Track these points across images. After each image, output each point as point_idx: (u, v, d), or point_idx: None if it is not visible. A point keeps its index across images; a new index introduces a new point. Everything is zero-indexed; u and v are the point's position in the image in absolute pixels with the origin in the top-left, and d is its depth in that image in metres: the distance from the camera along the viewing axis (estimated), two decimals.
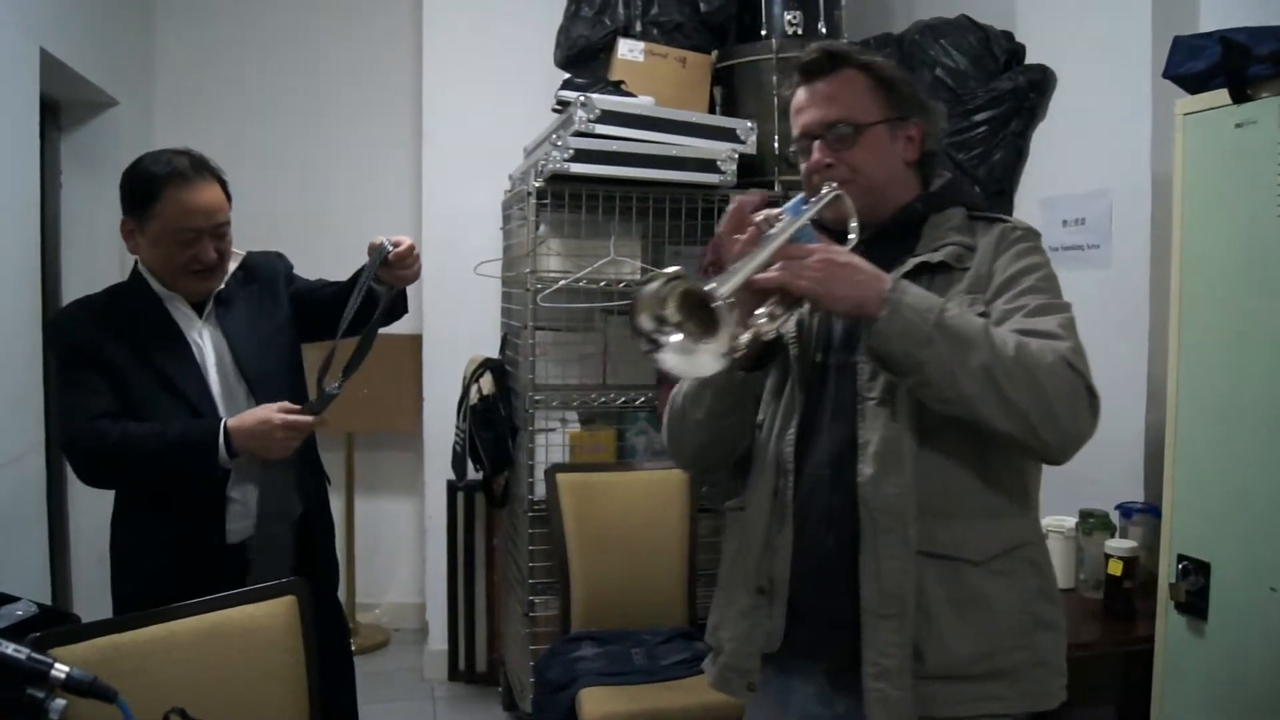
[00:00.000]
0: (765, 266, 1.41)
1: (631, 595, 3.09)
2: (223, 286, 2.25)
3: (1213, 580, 2.12)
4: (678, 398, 1.69)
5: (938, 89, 3.30)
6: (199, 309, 2.22)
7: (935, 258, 1.57)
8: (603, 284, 3.32)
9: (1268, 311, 2.03)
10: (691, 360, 1.36)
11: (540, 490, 3.24)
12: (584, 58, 3.54)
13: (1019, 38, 3.33)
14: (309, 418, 2.13)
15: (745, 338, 1.41)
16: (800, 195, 1.62)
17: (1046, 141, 3.22)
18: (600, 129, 3.13)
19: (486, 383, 3.52)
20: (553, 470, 3.14)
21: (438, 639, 4.26)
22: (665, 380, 3.29)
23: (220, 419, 2.10)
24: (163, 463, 2.07)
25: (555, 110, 3.41)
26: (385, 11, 4.74)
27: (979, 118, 3.23)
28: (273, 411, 2.09)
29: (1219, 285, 2.15)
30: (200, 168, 2.14)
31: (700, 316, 1.34)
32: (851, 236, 1.57)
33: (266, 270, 2.39)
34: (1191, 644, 2.17)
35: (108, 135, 4.03)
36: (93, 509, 3.92)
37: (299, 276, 2.49)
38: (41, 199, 3.46)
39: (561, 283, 3.27)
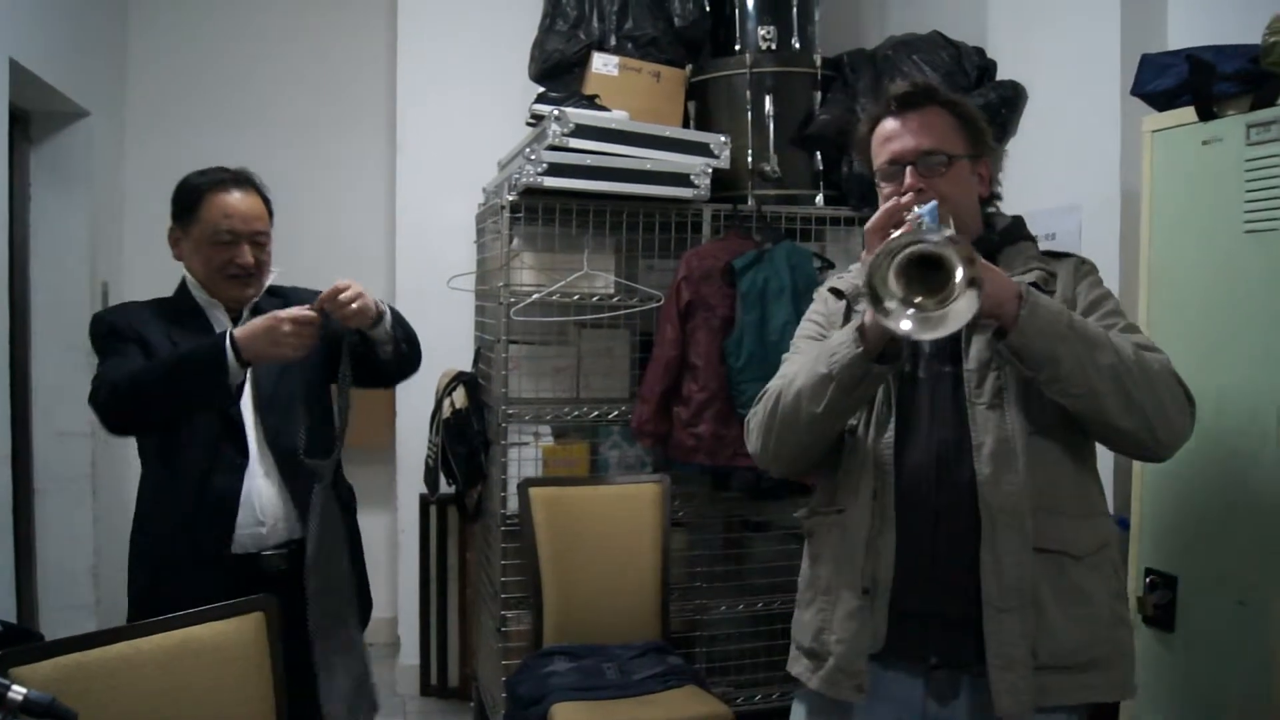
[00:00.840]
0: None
1: (604, 610, 3.08)
2: (259, 301, 2.30)
3: (1180, 594, 2.14)
4: (789, 394, 1.72)
5: None
6: (235, 320, 2.27)
7: (1028, 278, 1.67)
8: (576, 298, 3.32)
9: (1234, 326, 2.05)
10: (933, 325, 1.46)
11: (513, 504, 3.22)
12: (558, 71, 3.55)
13: (990, 54, 3.35)
14: (315, 315, 2.09)
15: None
16: (933, 203, 1.63)
17: (1018, 156, 3.22)
18: (574, 143, 3.13)
19: (459, 396, 3.51)
20: (525, 484, 3.12)
21: (410, 654, 4.24)
22: (640, 395, 3.29)
23: (225, 331, 2.08)
24: (174, 380, 2.07)
25: (529, 124, 3.42)
26: (360, 24, 4.72)
27: None
28: (276, 311, 2.10)
29: (1186, 300, 2.17)
30: (243, 179, 2.29)
31: (926, 282, 1.46)
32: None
33: (305, 300, 2.37)
34: (1159, 658, 2.18)
35: (78, 146, 4.00)
36: (60, 524, 3.89)
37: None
38: (10, 210, 3.43)
39: (535, 296, 3.26)
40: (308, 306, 2.10)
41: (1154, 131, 2.26)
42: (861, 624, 1.66)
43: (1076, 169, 2.93)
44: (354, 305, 2.12)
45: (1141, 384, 1.53)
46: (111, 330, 2.21)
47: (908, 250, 1.46)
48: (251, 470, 2.20)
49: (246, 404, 2.23)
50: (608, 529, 3.14)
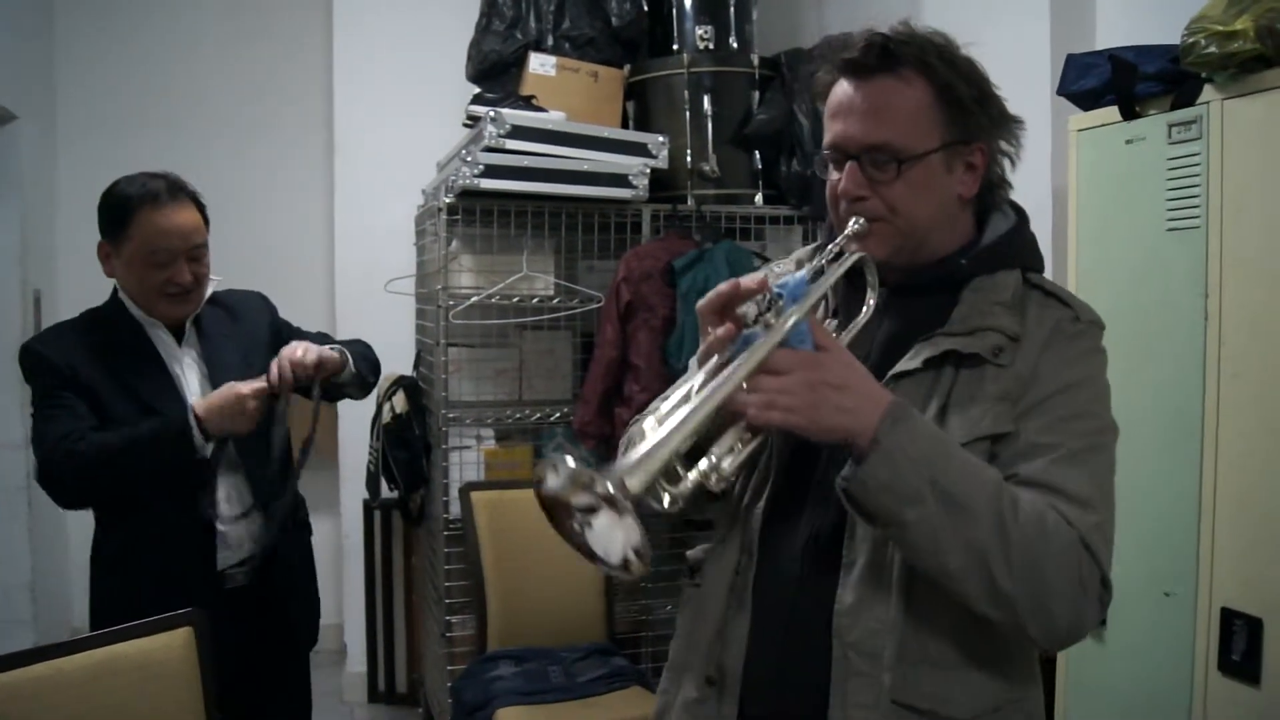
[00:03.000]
0: (731, 393, 1.12)
1: (549, 612, 3.07)
2: (200, 313, 2.22)
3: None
4: None
5: None
6: (178, 336, 2.20)
7: (970, 348, 1.26)
8: (516, 300, 3.31)
9: (1158, 323, 2.08)
10: (610, 543, 1.04)
11: (456, 508, 3.20)
12: (495, 72, 3.53)
13: None
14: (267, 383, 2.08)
15: (686, 487, 1.11)
16: (804, 273, 1.25)
17: None
18: (511, 144, 3.11)
19: (400, 400, 3.48)
20: (467, 488, 3.11)
21: (356, 660, 4.20)
22: (582, 396, 3.29)
23: (185, 407, 2.05)
24: (138, 459, 2.02)
25: (466, 125, 3.39)
26: (295, 24, 4.66)
27: None
28: (234, 384, 2.05)
29: (1111, 298, 2.19)
30: (176, 190, 2.13)
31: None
32: (865, 310, 1.31)
33: (250, 311, 2.37)
34: (1092, 650, 2.21)
35: (6, 151, 3.95)
36: None
37: (285, 323, 2.46)
38: None
39: (474, 299, 3.24)
40: (265, 378, 2.08)
41: (1079, 131, 2.29)
42: (696, 717, 1.38)
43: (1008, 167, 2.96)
44: (310, 360, 2.12)
45: (1018, 571, 1.13)
46: (46, 370, 2.08)
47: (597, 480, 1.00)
48: (218, 492, 2.15)
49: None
50: (551, 531, 3.10)
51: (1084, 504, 1.20)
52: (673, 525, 3.60)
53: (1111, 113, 2.21)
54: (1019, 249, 1.36)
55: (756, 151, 3.53)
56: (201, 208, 2.20)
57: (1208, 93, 2.00)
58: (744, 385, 1.12)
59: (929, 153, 1.27)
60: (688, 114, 3.47)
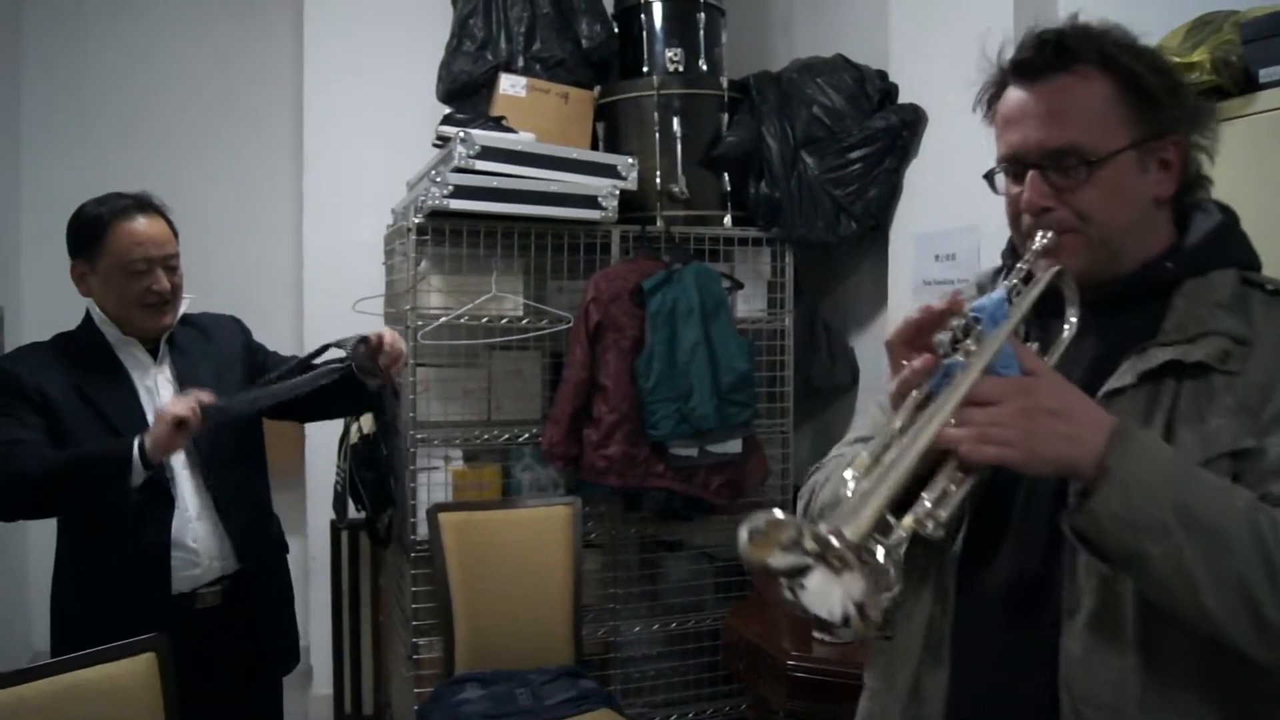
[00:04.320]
0: (941, 430, 1.04)
1: (517, 635, 3.06)
2: (174, 332, 2.26)
3: None
4: (819, 494, 1.34)
5: (814, 126, 3.37)
6: (154, 353, 2.22)
7: (1192, 356, 1.12)
8: (485, 320, 3.30)
9: None
10: (833, 598, 0.95)
11: (423, 530, 3.19)
12: (466, 92, 3.53)
13: (892, 78, 3.42)
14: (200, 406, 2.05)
15: (901, 536, 0.99)
16: (1002, 291, 1.17)
17: (919, 178, 3.31)
18: (480, 165, 3.11)
19: (367, 421, 3.46)
20: (435, 509, 3.09)
21: (322, 683, 4.17)
22: (551, 417, 3.28)
23: (136, 437, 2.02)
24: (67, 479, 2.01)
25: (436, 145, 3.39)
26: (264, 41, 4.65)
27: (854, 155, 3.31)
28: (163, 407, 2.02)
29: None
30: (144, 204, 2.22)
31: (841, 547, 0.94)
32: (1067, 330, 1.19)
33: (223, 335, 2.40)
34: None
35: None
36: None
37: (260, 345, 2.50)
38: None
39: (443, 319, 3.24)
40: (354, 350, 2.22)
41: None
42: None
43: (975, 191, 2.95)
44: (401, 348, 2.27)
45: None
46: (10, 385, 2.08)
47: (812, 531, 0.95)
48: (185, 512, 2.16)
49: (181, 449, 2.15)
50: (519, 552, 3.12)
51: None
52: (642, 546, 3.61)
53: None
54: (1230, 246, 1.23)
55: (725, 173, 3.55)
56: (171, 223, 2.26)
57: None
58: (951, 420, 1.04)
59: (1119, 151, 1.17)
60: (657, 135, 3.49)
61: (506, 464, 3.49)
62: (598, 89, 3.64)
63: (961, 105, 2.95)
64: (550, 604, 3.11)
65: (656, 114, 3.50)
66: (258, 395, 2.19)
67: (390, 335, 2.26)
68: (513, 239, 3.29)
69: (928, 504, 1.02)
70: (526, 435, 3.40)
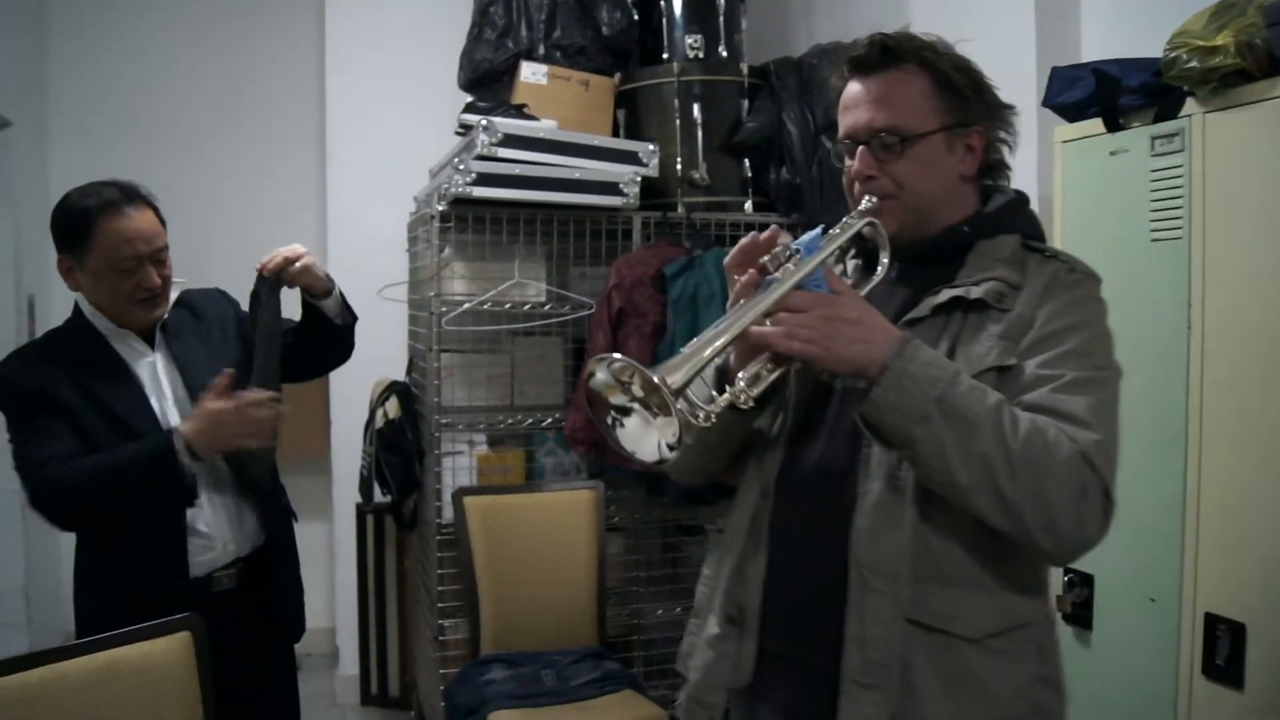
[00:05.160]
0: (754, 323, 1.28)
1: (541, 616, 3.10)
2: (166, 316, 2.22)
3: (1096, 592, 2.21)
4: None
5: (835, 111, 3.36)
6: (149, 342, 2.19)
7: (973, 293, 1.38)
8: (508, 306, 3.33)
9: (1141, 332, 2.11)
10: (643, 441, 1.24)
11: (448, 513, 3.22)
12: (487, 80, 3.55)
13: None
14: (265, 393, 2.08)
15: (718, 405, 1.27)
16: (818, 229, 1.41)
17: None
18: (502, 152, 3.14)
19: (393, 406, 3.50)
20: (460, 493, 3.13)
21: (349, 664, 4.22)
22: (573, 402, 3.31)
23: (168, 430, 2.04)
24: (127, 491, 2.01)
25: (458, 133, 3.41)
26: (288, 31, 4.69)
27: None
28: (210, 399, 2.03)
29: None
30: (132, 195, 2.11)
31: (661, 395, 1.19)
32: (879, 270, 1.45)
33: (214, 308, 2.36)
34: (1079, 654, 2.25)
35: (0, 157, 3.93)
36: None
37: (250, 315, 2.43)
38: None
39: (466, 305, 3.27)
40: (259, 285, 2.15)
41: (1064, 142, 2.32)
42: (720, 654, 1.48)
43: None
44: (299, 264, 2.21)
45: (1022, 480, 1.23)
46: (16, 395, 2.07)
47: (637, 370, 1.21)
48: (201, 499, 2.14)
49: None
50: (543, 536, 3.15)
51: (1084, 424, 1.28)
52: (664, 530, 3.64)
53: (1096, 124, 2.24)
54: (1016, 217, 1.48)
55: (746, 159, 3.56)
56: (157, 211, 2.17)
57: (1190, 106, 2.04)
58: (768, 322, 1.28)
59: (930, 133, 1.42)
60: (678, 122, 3.50)
61: (530, 448, 3.52)
62: (618, 76, 3.65)
63: None
64: (574, 586, 3.14)
65: (677, 100, 3.50)
66: (261, 363, 2.20)
67: (271, 256, 2.23)
68: (535, 225, 3.31)
69: (742, 383, 1.29)
70: (549, 420, 3.43)
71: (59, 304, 4.21)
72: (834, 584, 1.36)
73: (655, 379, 1.17)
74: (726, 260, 1.43)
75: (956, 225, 1.46)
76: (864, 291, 1.40)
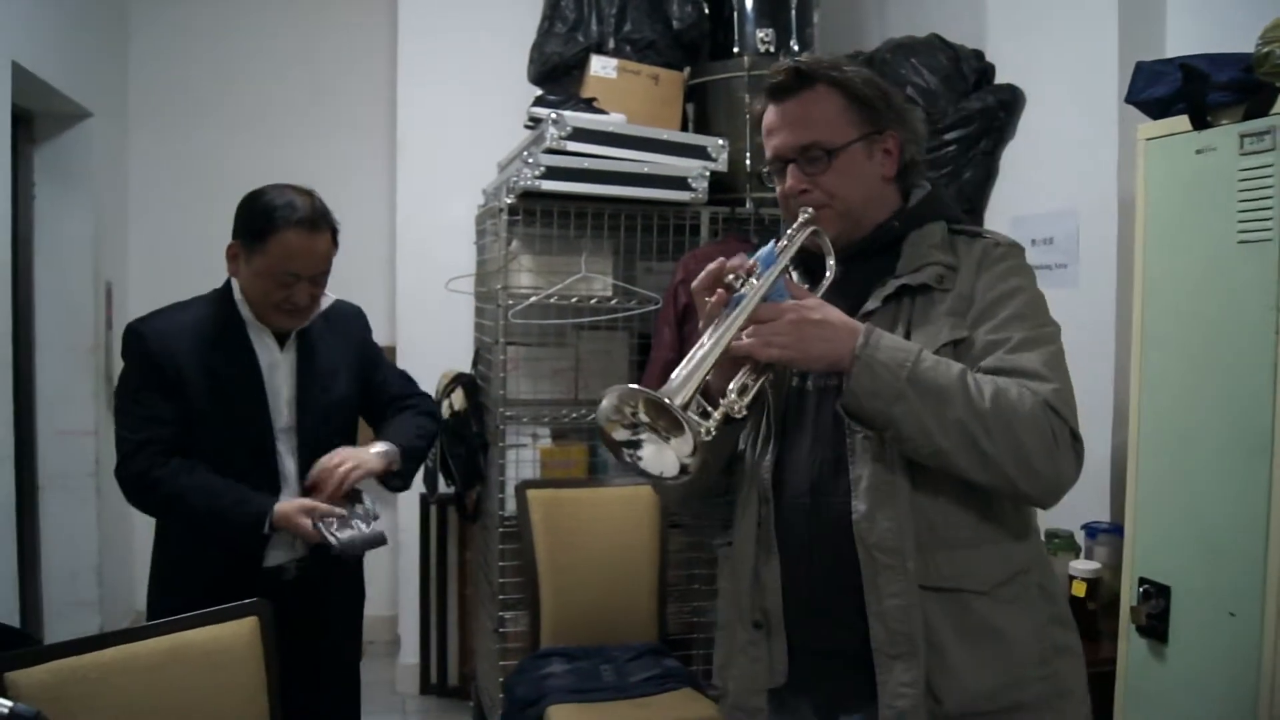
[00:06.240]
0: (733, 339, 1.38)
1: (602, 611, 3.09)
2: (307, 324, 2.27)
3: (1173, 604, 2.14)
4: None
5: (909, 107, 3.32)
6: (281, 341, 2.24)
7: (917, 279, 1.52)
8: (574, 300, 3.33)
9: (1226, 336, 2.05)
10: (664, 461, 1.34)
11: (511, 506, 3.23)
12: (557, 74, 3.56)
13: (989, 58, 3.35)
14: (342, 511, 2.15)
15: (715, 419, 1.34)
16: (772, 243, 1.53)
17: (1016, 160, 3.25)
18: (572, 146, 3.14)
19: (458, 398, 3.52)
20: (523, 486, 3.14)
21: (409, 652, 4.25)
22: None
23: (273, 501, 2.11)
24: (206, 523, 2.12)
25: (528, 126, 3.42)
26: (361, 23, 4.74)
27: (949, 136, 3.25)
28: (305, 507, 2.12)
29: (1179, 309, 2.17)
30: (320, 218, 2.16)
31: (669, 415, 1.30)
32: (829, 273, 1.54)
33: (347, 330, 2.40)
34: (1152, 667, 2.19)
35: (81, 147, 4.03)
36: (63, 523, 3.92)
37: (374, 346, 2.52)
38: (13, 210, 3.45)
39: (533, 299, 3.27)
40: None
41: (1148, 139, 2.25)
42: (754, 659, 1.55)
43: (1074, 174, 2.93)
44: (354, 475, 2.19)
45: (998, 435, 1.36)
46: (141, 360, 2.14)
47: (646, 398, 1.31)
48: (284, 494, 2.20)
49: (288, 438, 2.23)
50: (605, 531, 3.15)
51: (1040, 377, 1.42)
52: (725, 529, 3.61)
53: (1181, 121, 2.17)
54: (937, 205, 1.63)
55: None
56: (335, 235, 2.22)
57: None
58: (743, 336, 1.38)
59: (850, 143, 1.55)
60: (748, 117, 3.47)
61: (593, 443, 3.52)
62: (688, 70, 3.63)
63: (1062, 86, 2.86)
64: (634, 582, 3.13)
65: (747, 95, 3.47)
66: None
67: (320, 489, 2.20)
68: (602, 220, 3.30)
69: (733, 394, 1.39)
70: None
71: (135, 291, 4.33)
72: (847, 569, 1.46)
73: (663, 400, 1.28)
74: (695, 284, 1.49)
75: (886, 222, 1.59)
76: (819, 294, 1.50)
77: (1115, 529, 2.60)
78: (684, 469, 1.32)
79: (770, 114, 1.60)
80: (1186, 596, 2.13)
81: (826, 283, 1.54)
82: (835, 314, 1.43)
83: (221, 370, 2.15)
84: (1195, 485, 2.11)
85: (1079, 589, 2.50)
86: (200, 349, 2.14)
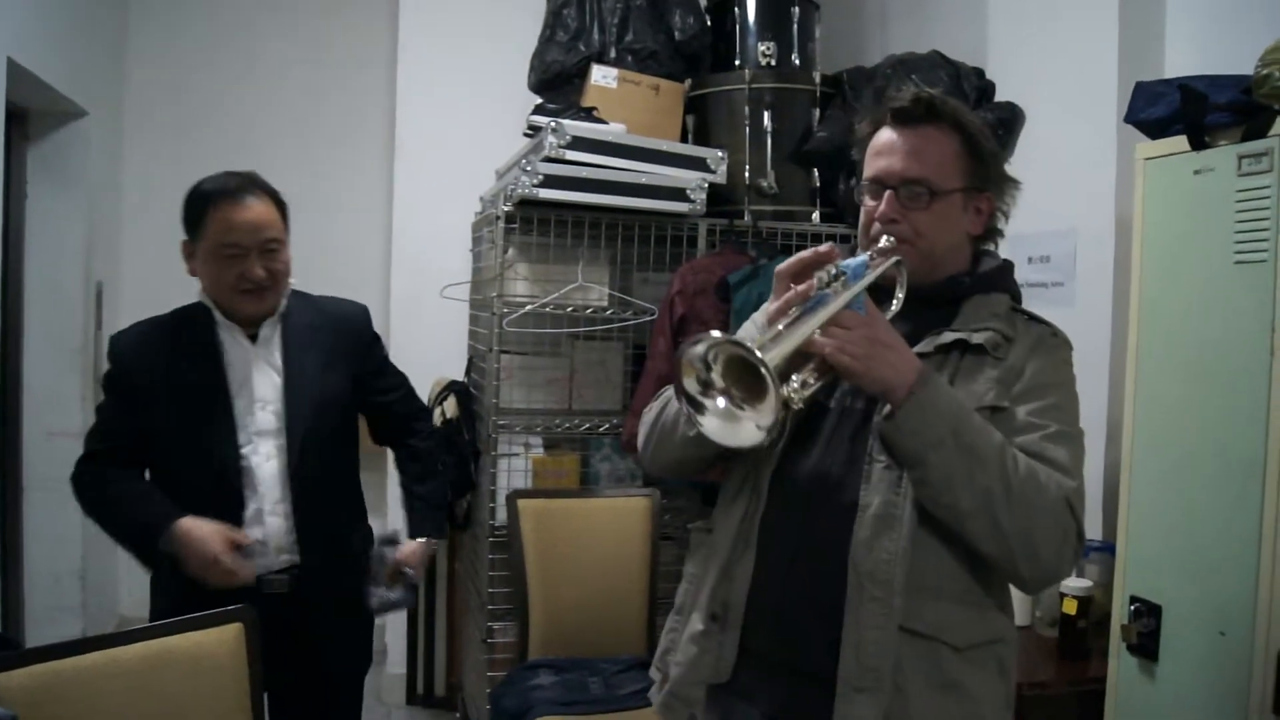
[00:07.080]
0: (813, 333, 1.39)
1: (591, 623, 3.07)
2: (291, 317, 2.23)
3: (1164, 622, 2.13)
4: (671, 407, 1.62)
5: None
6: (254, 337, 2.19)
7: (975, 339, 1.53)
8: (570, 309, 3.32)
9: (1221, 356, 2.05)
10: (734, 428, 1.36)
11: (502, 515, 3.22)
12: (558, 83, 3.55)
13: (989, 75, 3.36)
14: (246, 571, 2.06)
15: (797, 393, 1.39)
16: (864, 256, 1.52)
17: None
18: (570, 155, 3.13)
19: (450, 405, 3.50)
20: (514, 495, 3.12)
21: (396, 662, 4.23)
22: (632, 409, 3.29)
23: (175, 517, 2.03)
24: (111, 531, 2.19)
25: (527, 134, 3.41)
26: (360, 28, 4.74)
27: None
28: (220, 542, 2.02)
29: (1175, 328, 2.17)
30: (249, 184, 2.13)
31: (747, 381, 1.33)
32: (894, 306, 1.55)
33: (347, 328, 2.35)
34: (1142, 686, 2.18)
35: (76, 146, 4.02)
36: (47, 526, 3.89)
37: (378, 352, 2.46)
38: (6, 208, 3.43)
39: (528, 307, 3.26)
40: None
41: (1147, 159, 2.25)
42: (703, 650, 1.56)
43: (1072, 193, 2.93)
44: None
45: (1017, 515, 1.37)
46: (114, 367, 2.17)
47: (734, 351, 1.34)
48: (259, 504, 2.15)
49: (272, 439, 2.18)
50: (596, 542, 3.13)
51: (1067, 472, 1.44)
52: None
53: (1180, 142, 2.17)
54: (1008, 280, 1.66)
55: (815, 169, 3.52)
56: (280, 204, 2.19)
57: (1279, 125, 1.97)
58: (818, 333, 1.39)
59: (954, 191, 1.57)
60: (747, 129, 3.47)
61: (586, 453, 3.51)
62: (689, 81, 3.62)
63: (1061, 105, 2.86)
64: (625, 594, 3.11)
65: (747, 108, 3.47)
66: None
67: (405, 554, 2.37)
68: (600, 229, 3.30)
69: (795, 385, 1.40)
70: (606, 425, 3.41)
71: (128, 292, 4.31)
72: (829, 589, 1.47)
73: (755, 355, 1.28)
74: (782, 267, 1.50)
75: (958, 276, 1.61)
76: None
77: (1107, 547, 2.60)
78: (764, 435, 1.34)
79: (885, 135, 1.60)
80: (1177, 615, 2.12)
81: (890, 313, 1.54)
82: (902, 344, 1.45)
83: (186, 377, 2.13)
84: (1188, 504, 2.11)
85: (1070, 607, 2.50)
86: (169, 358, 2.13)
